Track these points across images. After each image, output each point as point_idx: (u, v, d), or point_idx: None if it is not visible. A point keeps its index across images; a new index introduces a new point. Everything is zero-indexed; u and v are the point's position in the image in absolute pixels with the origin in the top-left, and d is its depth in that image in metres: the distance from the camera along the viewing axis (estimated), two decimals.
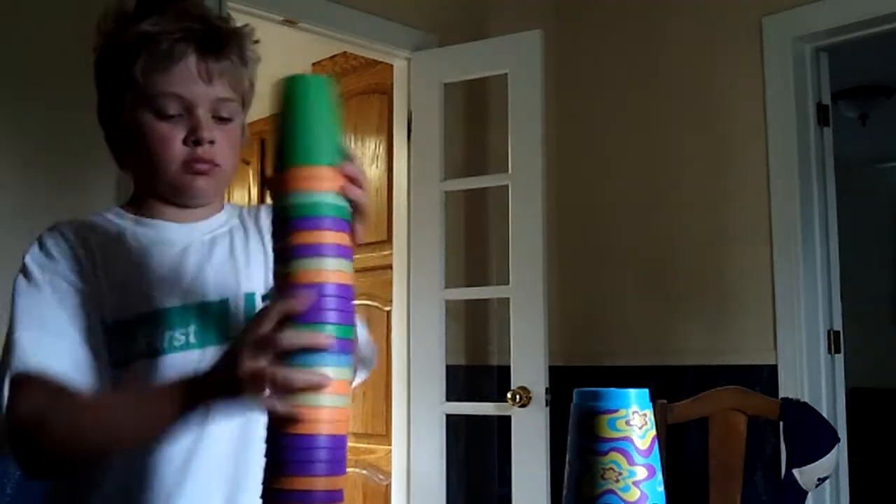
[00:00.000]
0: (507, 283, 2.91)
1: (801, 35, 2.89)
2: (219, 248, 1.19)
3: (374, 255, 3.23)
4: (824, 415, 2.42)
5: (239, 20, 1.22)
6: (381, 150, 3.36)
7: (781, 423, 2.07)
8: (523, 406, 2.78)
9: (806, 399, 2.60)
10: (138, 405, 1.00)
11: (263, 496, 0.88)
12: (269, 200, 0.98)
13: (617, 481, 0.82)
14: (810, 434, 2.03)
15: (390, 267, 3.15)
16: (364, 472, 3.32)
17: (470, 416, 3.05)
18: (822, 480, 2.02)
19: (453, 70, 3.07)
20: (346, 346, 0.90)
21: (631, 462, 0.82)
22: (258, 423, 0.91)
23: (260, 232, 1.23)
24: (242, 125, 1.19)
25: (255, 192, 4.13)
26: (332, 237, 0.90)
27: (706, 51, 3.10)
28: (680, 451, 2.80)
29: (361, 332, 1.17)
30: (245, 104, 1.19)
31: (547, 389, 2.77)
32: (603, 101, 3.37)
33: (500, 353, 3.07)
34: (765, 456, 2.78)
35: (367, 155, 3.40)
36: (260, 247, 1.22)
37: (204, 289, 1.14)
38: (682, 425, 2.26)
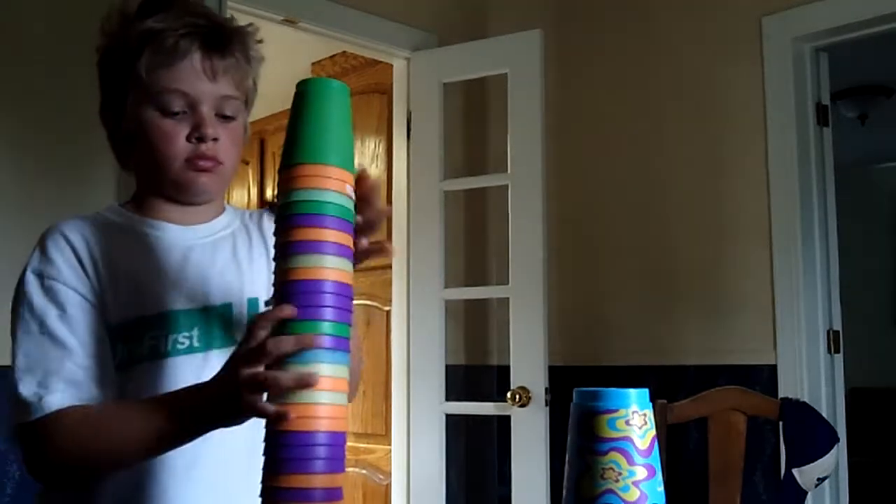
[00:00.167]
0: (507, 283, 2.90)
1: (800, 35, 2.88)
2: (221, 252, 1.18)
3: None
4: (824, 415, 2.42)
5: (239, 20, 1.22)
6: (381, 150, 3.36)
7: (781, 423, 2.06)
8: (523, 406, 2.78)
9: (806, 399, 2.59)
10: (141, 420, 0.99)
11: (262, 495, 0.88)
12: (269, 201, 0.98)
13: (617, 481, 0.82)
14: (810, 434, 2.02)
15: (390, 267, 3.14)
16: (364, 471, 3.32)
17: (470, 416, 3.04)
18: (821, 480, 2.01)
19: (453, 70, 3.07)
20: (343, 343, 0.90)
21: (631, 462, 0.82)
22: (262, 430, 0.91)
23: (263, 236, 1.23)
24: (245, 124, 1.19)
25: (254, 192, 4.12)
26: (333, 235, 0.90)
27: (706, 51, 3.10)
28: (680, 450, 2.80)
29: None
30: (248, 103, 1.19)
31: (547, 389, 2.77)
32: (603, 101, 3.37)
33: (499, 352, 3.07)
34: (764, 456, 2.78)
35: (367, 154, 3.40)
36: (263, 251, 1.21)
37: (208, 292, 1.14)
38: (682, 425, 2.26)
